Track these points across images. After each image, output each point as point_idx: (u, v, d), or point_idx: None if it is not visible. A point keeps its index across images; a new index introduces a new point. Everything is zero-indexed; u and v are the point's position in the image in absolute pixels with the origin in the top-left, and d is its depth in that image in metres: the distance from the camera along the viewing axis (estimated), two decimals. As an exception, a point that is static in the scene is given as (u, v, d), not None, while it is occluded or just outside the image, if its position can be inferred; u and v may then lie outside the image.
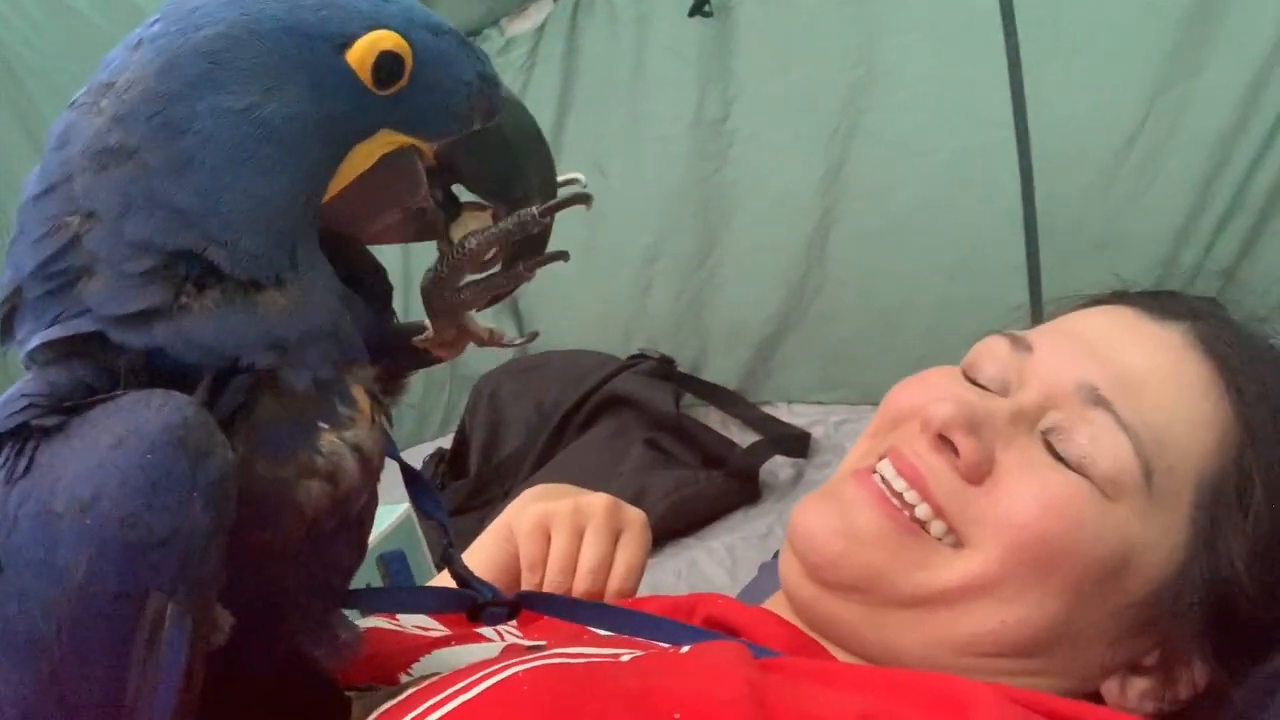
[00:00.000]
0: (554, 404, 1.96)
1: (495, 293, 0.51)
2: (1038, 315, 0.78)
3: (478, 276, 0.51)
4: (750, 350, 2.02)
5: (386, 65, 0.43)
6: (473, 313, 0.53)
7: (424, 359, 0.54)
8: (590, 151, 2.04)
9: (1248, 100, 1.50)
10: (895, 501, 0.62)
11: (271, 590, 0.44)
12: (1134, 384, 0.62)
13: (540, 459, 1.90)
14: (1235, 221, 1.54)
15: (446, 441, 2.14)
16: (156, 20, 0.42)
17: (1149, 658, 0.62)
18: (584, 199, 0.50)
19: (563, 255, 0.51)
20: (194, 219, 0.40)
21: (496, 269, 0.51)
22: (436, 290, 0.51)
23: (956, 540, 0.61)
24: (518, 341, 0.57)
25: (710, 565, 1.55)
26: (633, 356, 2.03)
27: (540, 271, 0.51)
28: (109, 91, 0.41)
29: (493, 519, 0.87)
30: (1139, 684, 0.62)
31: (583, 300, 2.10)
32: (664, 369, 1.99)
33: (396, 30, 0.43)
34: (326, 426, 0.43)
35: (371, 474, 0.46)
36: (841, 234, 1.88)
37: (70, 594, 0.36)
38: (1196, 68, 1.52)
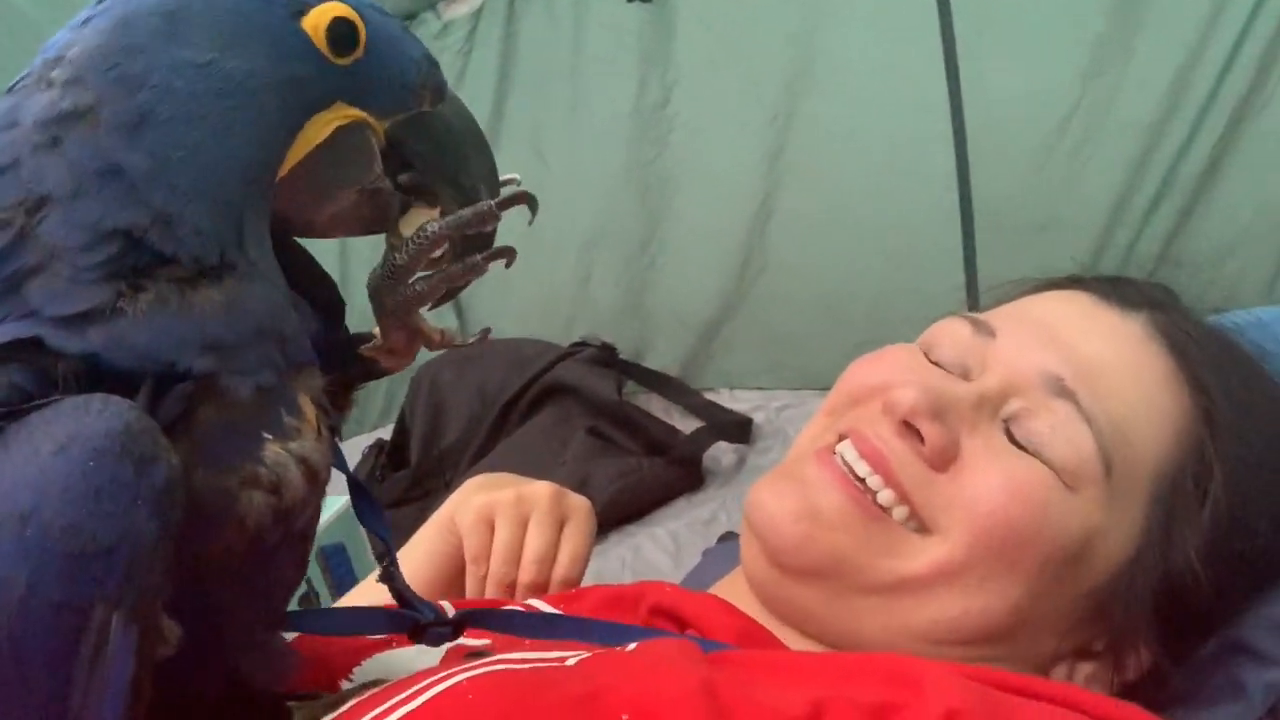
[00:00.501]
0: (495, 393, 1.94)
1: (450, 285, 0.50)
2: (974, 299, 0.79)
3: (428, 271, 0.50)
4: (692, 336, 2.02)
5: (341, 31, 0.43)
6: (423, 314, 0.52)
7: (373, 370, 0.53)
8: (529, 137, 2.03)
9: (1176, 85, 1.52)
10: (858, 486, 0.62)
11: (212, 607, 0.42)
12: (1096, 374, 0.62)
13: (482, 448, 1.88)
14: (1166, 203, 1.58)
15: (386, 432, 2.11)
16: None
17: (1098, 643, 0.63)
18: (529, 198, 0.51)
19: (511, 251, 0.52)
20: (145, 186, 0.39)
21: (445, 264, 0.50)
22: (389, 285, 0.49)
23: (920, 526, 0.61)
24: (470, 341, 0.55)
25: (655, 552, 1.55)
26: (574, 344, 2.02)
27: None
28: (58, 64, 0.40)
29: (434, 510, 0.86)
30: (1086, 668, 0.63)
31: (523, 287, 2.09)
32: (606, 356, 1.98)
33: (348, 3, 0.44)
34: (271, 437, 0.42)
35: (317, 487, 0.44)
36: (782, 219, 1.89)
37: (11, 607, 0.35)
38: (1127, 53, 1.54)
